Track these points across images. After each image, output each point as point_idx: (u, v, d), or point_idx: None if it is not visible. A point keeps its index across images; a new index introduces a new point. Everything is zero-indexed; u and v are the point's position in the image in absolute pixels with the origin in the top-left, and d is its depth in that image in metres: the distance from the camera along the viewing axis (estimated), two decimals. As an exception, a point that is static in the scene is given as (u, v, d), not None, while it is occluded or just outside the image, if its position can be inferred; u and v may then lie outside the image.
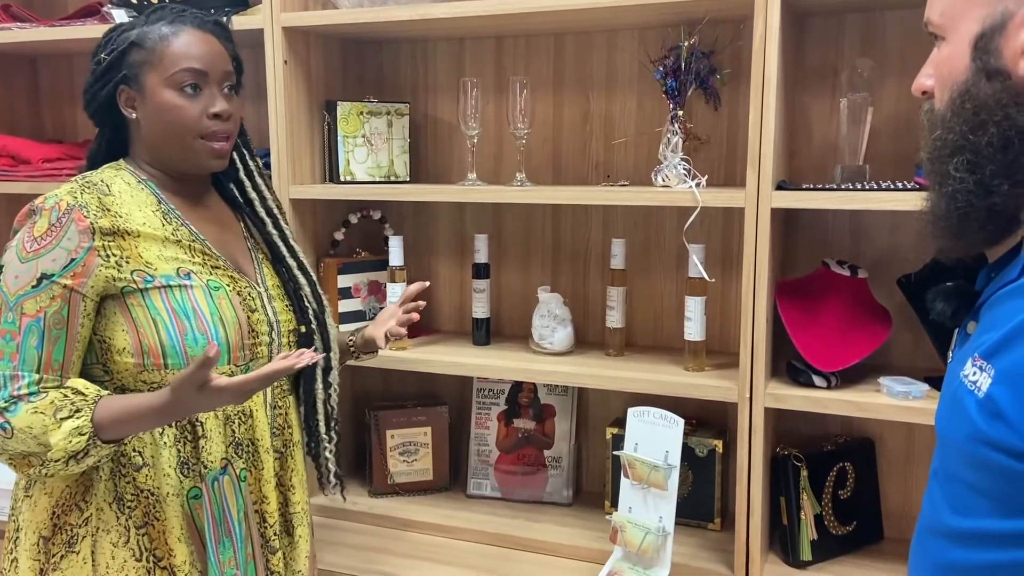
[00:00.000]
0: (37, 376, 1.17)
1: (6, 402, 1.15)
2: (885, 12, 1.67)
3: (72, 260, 1.18)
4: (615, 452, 1.78)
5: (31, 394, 1.16)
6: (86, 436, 1.15)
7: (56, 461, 1.15)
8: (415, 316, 1.51)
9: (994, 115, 0.77)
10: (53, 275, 1.17)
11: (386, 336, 1.49)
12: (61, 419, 1.15)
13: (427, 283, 1.53)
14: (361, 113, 1.94)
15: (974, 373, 0.77)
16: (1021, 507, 0.75)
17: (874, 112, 1.61)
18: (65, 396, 1.17)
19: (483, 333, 1.93)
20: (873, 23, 1.68)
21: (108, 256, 1.20)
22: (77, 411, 1.16)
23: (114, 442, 1.19)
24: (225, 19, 1.77)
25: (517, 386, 2.00)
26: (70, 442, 1.14)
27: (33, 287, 1.17)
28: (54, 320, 1.17)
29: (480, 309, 1.93)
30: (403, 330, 1.49)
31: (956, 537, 0.81)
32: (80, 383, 1.19)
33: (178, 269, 1.25)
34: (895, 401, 1.49)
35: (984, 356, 0.77)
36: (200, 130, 1.27)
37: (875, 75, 1.62)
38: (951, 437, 0.81)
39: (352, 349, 1.54)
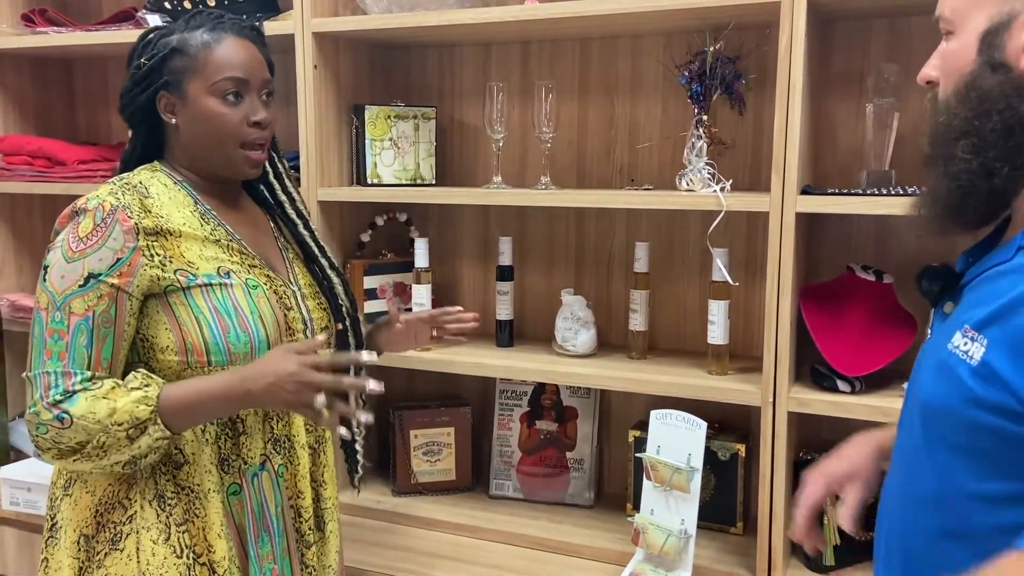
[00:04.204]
0: (88, 373, 1.19)
1: (62, 396, 1.16)
2: (911, 17, 1.67)
3: (118, 259, 1.19)
4: (638, 454, 1.79)
5: (85, 389, 1.18)
6: (151, 408, 1.17)
7: (120, 425, 1.15)
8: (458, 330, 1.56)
9: (998, 104, 0.84)
10: (100, 274, 1.19)
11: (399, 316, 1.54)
12: (131, 388, 1.18)
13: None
14: (388, 117, 1.96)
15: (965, 343, 0.84)
16: (1016, 468, 0.80)
17: (900, 117, 1.61)
18: (134, 376, 1.20)
19: (506, 335, 1.95)
20: (899, 28, 1.68)
21: (152, 256, 1.22)
22: (146, 385, 1.19)
23: (171, 435, 1.20)
24: (257, 24, 1.80)
25: (540, 388, 2.01)
26: (136, 407, 1.16)
27: (80, 286, 1.18)
28: (102, 319, 1.19)
29: (504, 311, 1.94)
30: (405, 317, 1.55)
31: (941, 504, 0.87)
32: (144, 371, 1.21)
33: (218, 268, 1.27)
34: (919, 407, 1.49)
35: (976, 328, 0.83)
36: (240, 137, 1.29)
37: (901, 80, 1.62)
38: (940, 405, 0.86)
39: None
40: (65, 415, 1.15)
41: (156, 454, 1.22)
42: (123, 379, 1.21)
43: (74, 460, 1.18)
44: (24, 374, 1.21)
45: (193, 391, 1.20)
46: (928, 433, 0.89)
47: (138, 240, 1.21)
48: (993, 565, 0.77)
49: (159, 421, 1.18)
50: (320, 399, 1.16)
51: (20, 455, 2.31)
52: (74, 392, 1.17)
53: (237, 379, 1.20)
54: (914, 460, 0.91)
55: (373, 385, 1.18)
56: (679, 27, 1.78)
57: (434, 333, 1.55)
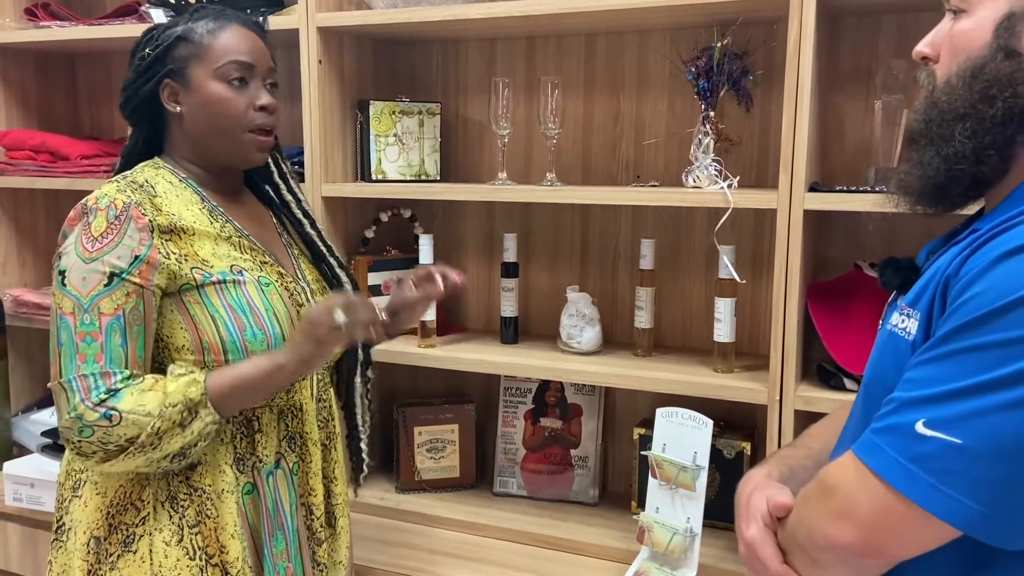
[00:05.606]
0: (127, 371, 1.17)
1: (106, 394, 1.14)
2: (920, 13, 1.65)
3: (137, 257, 1.18)
4: (643, 452, 1.78)
5: (128, 386, 1.16)
6: (201, 389, 1.17)
7: (174, 406, 1.14)
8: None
9: (1004, 91, 0.83)
10: (122, 272, 1.17)
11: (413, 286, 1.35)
12: (178, 375, 1.18)
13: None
14: (393, 112, 1.95)
15: (902, 321, 0.88)
16: None
17: (909, 114, 1.60)
18: (176, 366, 1.20)
19: (511, 332, 1.94)
20: (908, 24, 1.67)
21: (168, 254, 1.21)
22: (191, 371, 1.19)
23: (219, 420, 1.19)
24: (261, 19, 1.80)
25: (544, 385, 2.01)
26: (188, 388, 1.16)
27: (106, 286, 1.16)
28: (133, 316, 1.18)
29: (508, 308, 1.94)
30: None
31: None
32: (183, 362, 1.22)
33: (231, 266, 1.26)
34: (927, 405, 1.48)
35: (909, 304, 0.88)
36: (246, 123, 1.28)
37: (910, 77, 1.61)
38: (880, 381, 0.89)
39: None
40: (113, 412, 1.13)
41: (205, 442, 1.20)
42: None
43: (123, 458, 1.15)
44: (52, 384, 1.18)
45: (237, 372, 1.20)
46: (866, 410, 0.89)
47: (153, 238, 1.20)
48: (827, 467, 0.84)
49: (208, 404, 1.17)
50: (339, 315, 1.17)
51: (23, 451, 2.31)
52: (118, 389, 1.15)
53: (277, 350, 1.22)
54: (853, 437, 0.92)
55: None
56: (686, 23, 1.77)
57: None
